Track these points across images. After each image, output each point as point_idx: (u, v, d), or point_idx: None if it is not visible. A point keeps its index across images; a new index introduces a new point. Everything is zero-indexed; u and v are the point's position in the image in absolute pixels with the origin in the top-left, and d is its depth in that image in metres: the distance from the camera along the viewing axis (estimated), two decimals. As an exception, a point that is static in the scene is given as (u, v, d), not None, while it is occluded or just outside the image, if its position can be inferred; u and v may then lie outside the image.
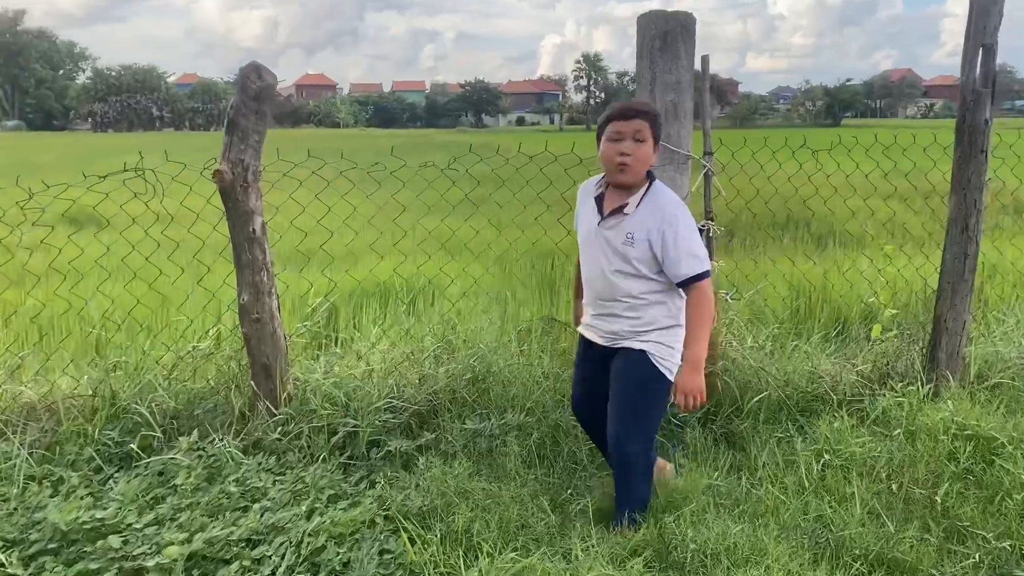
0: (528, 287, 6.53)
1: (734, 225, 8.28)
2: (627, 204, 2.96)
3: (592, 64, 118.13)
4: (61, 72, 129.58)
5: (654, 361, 3.02)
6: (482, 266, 6.82)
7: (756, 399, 3.96)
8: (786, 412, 4.01)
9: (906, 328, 4.54)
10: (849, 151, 4.77)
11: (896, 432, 3.71)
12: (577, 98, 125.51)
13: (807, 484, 3.36)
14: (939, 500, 3.23)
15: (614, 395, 3.08)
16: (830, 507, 3.19)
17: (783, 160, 4.67)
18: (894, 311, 4.60)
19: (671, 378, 3.02)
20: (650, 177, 3.02)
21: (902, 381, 4.14)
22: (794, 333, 4.86)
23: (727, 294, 4.28)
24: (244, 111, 3.62)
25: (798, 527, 3.08)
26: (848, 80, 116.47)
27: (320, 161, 4.01)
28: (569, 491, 3.44)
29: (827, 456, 3.52)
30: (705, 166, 4.00)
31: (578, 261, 3.29)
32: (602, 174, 3.10)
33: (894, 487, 3.37)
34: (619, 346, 3.08)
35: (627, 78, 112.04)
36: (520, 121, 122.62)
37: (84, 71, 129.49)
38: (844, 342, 4.94)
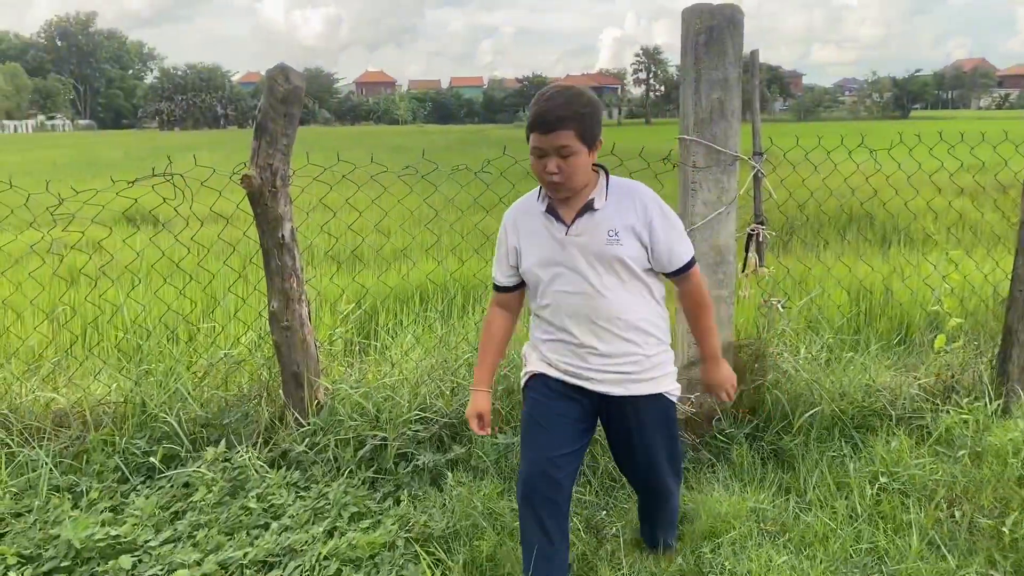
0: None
1: (789, 226, 7.97)
2: (592, 200, 2.47)
3: (651, 57, 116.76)
4: (130, 72, 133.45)
5: (670, 398, 2.63)
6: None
7: (808, 414, 3.73)
8: (840, 428, 3.77)
9: (973, 339, 4.25)
10: (911, 150, 4.48)
11: (960, 453, 3.45)
12: (636, 92, 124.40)
13: (860, 510, 3.13)
14: (1007, 531, 2.97)
15: (638, 451, 2.63)
16: (885, 537, 2.95)
17: (840, 159, 4.40)
18: (960, 320, 4.31)
19: (676, 401, 2.69)
20: (601, 170, 2.55)
21: (968, 396, 3.86)
22: (851, 343, 4.59)
23: (778, 302, 4.05)
24: (272, 115, 3.52)
25: (849, 559, 2.86)
26: (917, 71, 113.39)
27: (351, 165, 3.89)
28: (604, 512, 3.27)
29: (883, 479, 3.28)
30: (755, 167, 3.78)
31: (490, 317, 2.74)
32: (529, 193, 2.63)
33: (957, 515, 3.11)
34: (626, 393, 2.54)
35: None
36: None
37: (152, 71, 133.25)
38: (905, 353, 4.66)
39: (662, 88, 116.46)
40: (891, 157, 4.53)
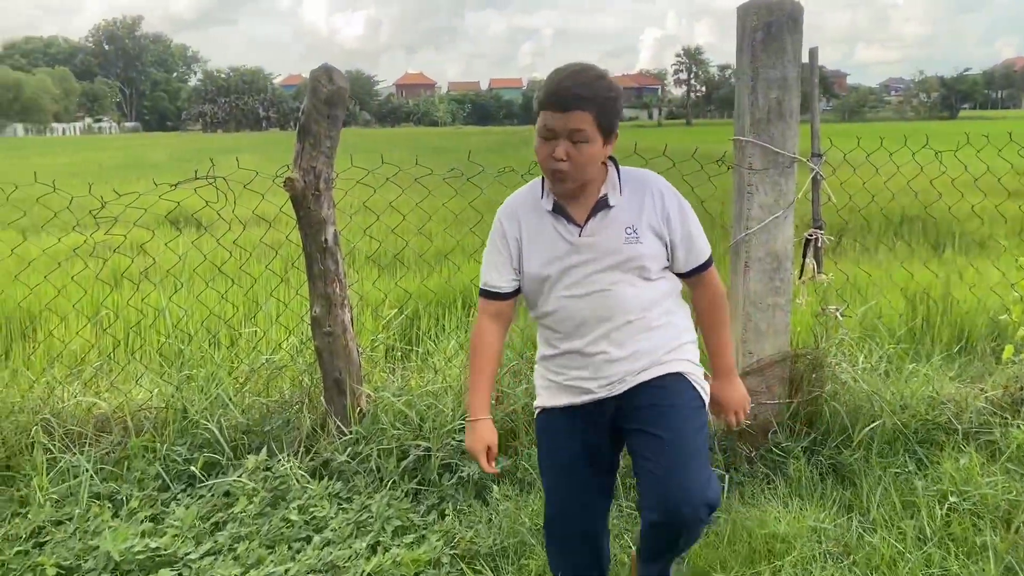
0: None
1: (840, 230, 7.75)
2: (606, 195, 2.20)
3: (693, 57, 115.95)
4: (174, 75, 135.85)
5: (693, 383, 2.28)
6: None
7: (869, 428, 3.56)
8: (902, 443, 3.59)
9: (1044, 349, 4.04)
10: (955, 151, 4.27)
11: (1035, 472, 3.26)
12: (677, 92, 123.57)
13: (929, 532, 2.96)
14: (1089, 557, 2.79)
15: (661, 443, 2.16)
16: (957, 561, 2.78)
17: (889, 161, 4.22)
18: (1029, 329, 4.10)
19: (707, 399, 2.35)
20: (610, 161, 2.26)
21: (1039, 411, 3.67)
22: (912, 352, 4.39)
23: (837, 309, 3.88)
24: (316, 116, 3.45)
25: (919, 585, 2.70)
26: (966, 70, 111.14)
27: (394, 167, 3.81)
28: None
29: (952, 498, 3.11)
30: (813, 169, 3.62)
31: (481, 330, 2.37)
32: (524, 186, 2.35)
33: (1034, 539, 2.94)
34: (638, 381, 2.24)
35: (729, 71, 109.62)
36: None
37: (195, 73, 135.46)
38: (969, 362, 4.46)
39: (703, 88, 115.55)
40: (938, 160, 4.32)
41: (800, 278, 3.69)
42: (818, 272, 3.69)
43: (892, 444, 3.57)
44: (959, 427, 3.64)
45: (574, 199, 2.21)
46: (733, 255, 3.62)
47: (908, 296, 5.40)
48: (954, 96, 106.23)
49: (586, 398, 2.26)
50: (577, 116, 2.04)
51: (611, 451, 2.37)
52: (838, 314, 3.88)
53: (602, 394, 2.24)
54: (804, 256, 3.70)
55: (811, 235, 3.67)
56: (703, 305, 2.35)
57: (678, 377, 2.25)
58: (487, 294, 2.35)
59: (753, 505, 3.22)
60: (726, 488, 3.31)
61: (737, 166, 3.55)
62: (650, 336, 2.24)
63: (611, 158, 2.23)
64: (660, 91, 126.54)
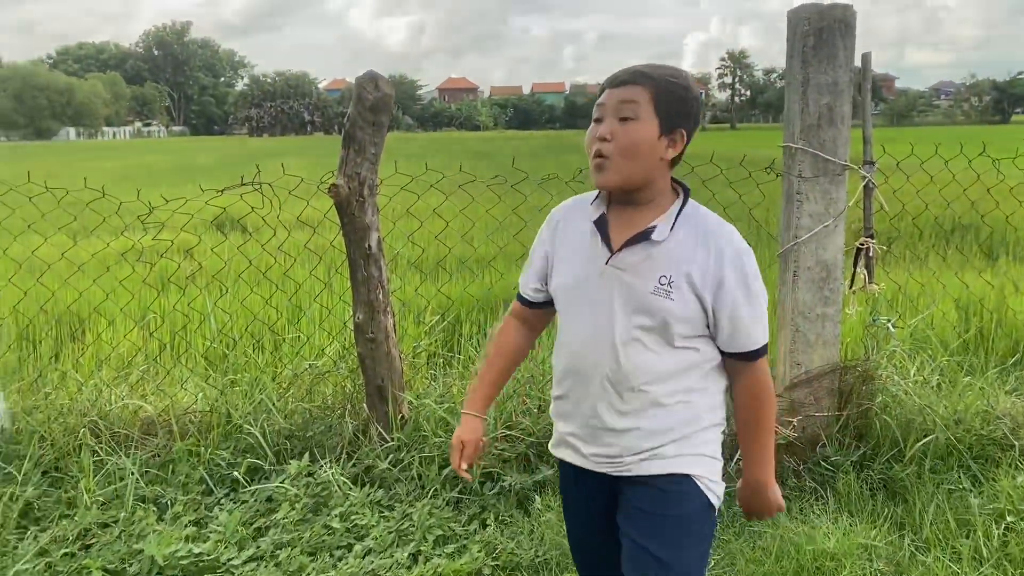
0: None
1: (894, 237, 7.59)
2: (654, 228, 1.78)
3: (737, 61, 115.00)
4: (222, 79, 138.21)
5: (703, 488, 1.85)
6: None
7: (921, 442, 3.46)
8: (956, 458, 3.49)
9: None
10: (1014, 159, 4.14)
11: (1096, 492, 3.14)
12: (721, 96, 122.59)
13: (986, 552, 2.87)
14: None
15: (654, 563, 1.80)
16: (1016, 584, 2.69)
17: (951, 168, 4.10)
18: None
19: (719, 504, 1.91)
20: (681, 190, 1.86)
21: (1101, 428, 3.54)
22: (966, 365, 4.27)
23: (888, 321, 3.79)
24: (360, 123, 3.45)
25: (976, 608, 2.61)
26: (1020, 73, 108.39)
27: (438, 174, 3.80)
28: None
29: (1010, 518, 3.00)
30: (865, 177, 3.53)
31: (503, 326, 2.15)
32: (589, 192, 1.96)
33: (1096, 562, 2.83)
34: (638, 473, 1.85)
35: (775, 75, 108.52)
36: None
37: (242, 78, 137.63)
38: (1024, 376, 4.32)
39: (748, 92, 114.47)
40: (1010, 165, 4.19)
41: (851, 288, 3.61)
42: (869, 282, 3.61)
43: (945, 460, 3.48)
44: (1016, 443, 3.53)
45: (622, 219, 1.84)
46: (781, 264, 3.55)
47: (961, 306, 5.26)
48: (1007, 100, 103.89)
49: (580, 462, 1.93)
50: (630, 89, 1.74)
51: (607, 505, 1.99)
52: (889, 325, 3.78)
53: (594, 468, 1.90)
54: (855, 265, 3.62)
55: (862, 244, 3.59)
56: (743, 400, 1.86)
57: (686, 481, 1.84)
58: (518, 295, 2.11)
59: (801, 520, 3.15)
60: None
61: (786, 173, 3.48)
62: (659, 415, 1.82)
63: (683, 188, 1.86)
64: (704, 95, 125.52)
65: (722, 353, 1.84)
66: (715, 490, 1.87)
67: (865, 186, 3.54)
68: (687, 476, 1.83)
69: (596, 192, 1.89)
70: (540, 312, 2.07)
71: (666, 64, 1.81)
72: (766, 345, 1.83)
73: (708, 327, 1.80)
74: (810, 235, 3.40)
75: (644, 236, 1.77)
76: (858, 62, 3.42)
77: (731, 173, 3.84)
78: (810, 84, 3.33)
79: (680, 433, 1.83)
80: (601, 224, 1.84)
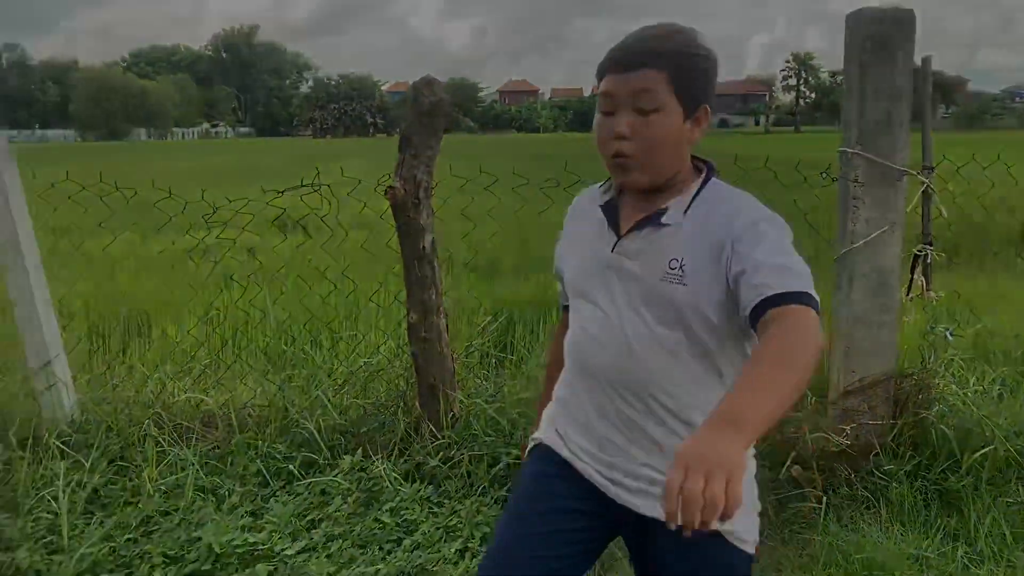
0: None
1: (955, 244, 7.41)
2: (665, 210, 1.56)
3: (803, 63, 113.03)
4: (287, 82, 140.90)
5: (735, 543, 1.58)
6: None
7: (979, 453, 3.39)
8: (1015, 471, 3.41)
9: None
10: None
11: None
12: (785, 98, 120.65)
13: (1043, 568, 2.81)
14: None
15: None
16: (1073, 601, 2.63)
17: (1013, 174, 4.00)
18: None
19: (752, 551, 1.62)
20: (704, 168, 1.62)
21: None
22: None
23: (947, 330, 3.72)
24: (416, 127, 3.52)
25: (1030, 624, 2.56)
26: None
27: (492, 176, 3.85)
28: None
29: (1069, 533, 2.93)
30: (924, 183, 3.48)
31: (558, 330, 1.96)
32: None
33: None
34: (650, 515, 1.59)
35: (840, 77, 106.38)
36: (723, 123, 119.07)
37: (307, 81, 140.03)
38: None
39: (813, 95, 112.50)
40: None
41: (907, 295, 3.56)
42: (927, 289, 3.55)
43: (1004, 472, 3.40)
44: (1080, 458, 3.43)
45: (635, 202, 1.63)
46: (838, 269, 3.52)
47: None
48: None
49: (585, 474, 1.68)
50: (643, 75, 1.48)
51: (593, 547, 1.73)
52: (948, 334, 3.71)
53: (599, 479, 1.65)
54: (912, 272, 3.57)
55: (920, 251, 3.53)
56: (772, 331, 1.31)
57: (716, 541, 1.55)
58: (559, 303, 1.96)
59: (852, 529, 3.12)
60: (823, 510, 3.21)
61: (842, 178, 3.45)
62: (682, 432, 1.56)
63: (707, 164, 1.62)
64: (768, 97, 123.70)
65: (752, 325, 1.39)
66: (749, 539, 1.60)
67: (924, 192, 3.48)
68: (717, 535, 1.55)
69: (607, 181, 1.71)
70: None
71: (671, 25, 1.55)
72: (808, 295, 1.35)
73: (738, 309, 1.44)
74: (866, 241, 3.36)
75: (653, 219, 1.56)
76: (919, 67, 3.38)
77: (786, 177, 3.81)
78: (868, 89, 3.29)
79: None
80: (610, 209, 1.64)
